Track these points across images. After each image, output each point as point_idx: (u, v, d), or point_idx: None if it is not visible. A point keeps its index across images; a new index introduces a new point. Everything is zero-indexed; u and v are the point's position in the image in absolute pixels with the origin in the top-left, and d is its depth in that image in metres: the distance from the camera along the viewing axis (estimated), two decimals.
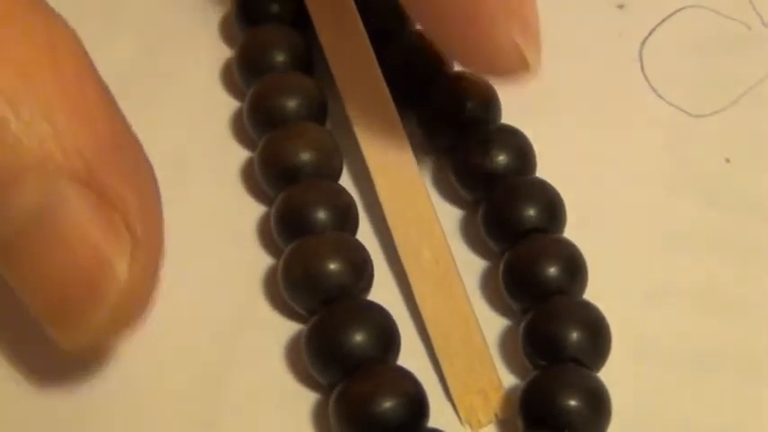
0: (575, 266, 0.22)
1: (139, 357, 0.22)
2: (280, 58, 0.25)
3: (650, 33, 0.26)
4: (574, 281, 0.22)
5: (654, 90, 0.26)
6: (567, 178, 0.24)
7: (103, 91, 0.19)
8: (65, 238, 0.19)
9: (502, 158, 0.23)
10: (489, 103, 0.24)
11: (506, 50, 0.21)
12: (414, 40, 0.25)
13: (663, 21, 0.25)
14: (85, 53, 0.19)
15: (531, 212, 0.22)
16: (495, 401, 0.21)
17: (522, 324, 0.21)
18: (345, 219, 0.23)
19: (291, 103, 0.24)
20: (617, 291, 0.23)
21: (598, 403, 0.20)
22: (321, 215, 0.22)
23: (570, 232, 0.23)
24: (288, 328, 0.22)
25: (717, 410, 0.21)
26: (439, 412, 0.21)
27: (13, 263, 0.19)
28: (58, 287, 0.19)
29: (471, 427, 0.21)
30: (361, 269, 0.22)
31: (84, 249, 0.19)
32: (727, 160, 0.25)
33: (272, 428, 0.21)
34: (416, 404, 0.20)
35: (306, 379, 0.21)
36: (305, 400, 0.21)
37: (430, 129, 0.24)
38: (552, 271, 0.22)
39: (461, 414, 0.21)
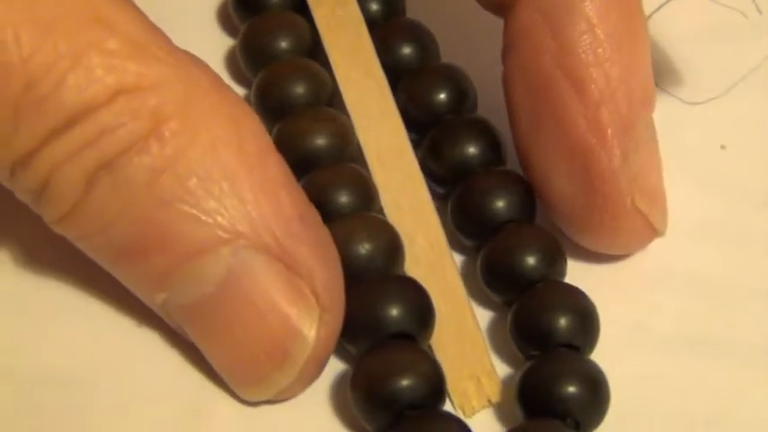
0: (553, 253, 0.22)
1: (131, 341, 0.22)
2: (284, 44, 0.25)
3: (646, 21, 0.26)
4: (553, 267, 0.22)
5: None
6: None
7: (283, 165, 0.20)
8: (254, 306, 0.20)
9: (471, 150, 0.23)
10: (468, 93, 0.24)
11: (631, 217, 0.22)
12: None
13: (658, 8, 0.25)
14: (264, 130, 0.20)
15: (502, 204, 0.22)
16: (489, 387, 0.21)
17: (510, 314, 0.21)
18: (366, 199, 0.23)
19: (300, 90, 0.24)
20: (610, 277, 0.23)
21: (597, 388, 0.20)
22: (343, 197, 0.22)
23: None
24: None
25: (709, 395, 0.21)
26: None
27: (200, 325, 0.20)
28: (247, 350, 0.20)
29: (464, 413, 0.21)
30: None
31: (274, 317, 0.20)
32: (723, 147, 0.25)
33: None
34: (435, 385, 0.20)
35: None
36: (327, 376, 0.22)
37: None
38: (531, 260, 0.22)
39: (454, 400, 0.21)
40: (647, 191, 0.22)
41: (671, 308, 0.23)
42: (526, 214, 0.23)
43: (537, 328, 0.21)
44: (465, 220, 0.23)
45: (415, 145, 0.24)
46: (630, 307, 0.22)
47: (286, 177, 0.20)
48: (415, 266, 0.22)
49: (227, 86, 0.20)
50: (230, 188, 0.19)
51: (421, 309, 0.21)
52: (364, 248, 0.21)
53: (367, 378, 0.20)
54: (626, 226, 0.22)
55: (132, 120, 0.19)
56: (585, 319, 0.21)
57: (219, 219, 0.19)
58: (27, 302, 0.22)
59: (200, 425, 0.21)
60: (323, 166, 0.23)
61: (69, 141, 0.19)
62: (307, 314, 0.20)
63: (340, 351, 0.21)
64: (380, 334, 0.21)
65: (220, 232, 0.19)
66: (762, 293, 0.23)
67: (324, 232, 0.21)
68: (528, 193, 0.23)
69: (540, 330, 0.21)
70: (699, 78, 0.26)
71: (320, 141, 0.23)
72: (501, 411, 0.21)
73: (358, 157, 0.23)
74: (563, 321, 0.21)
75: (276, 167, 0.20)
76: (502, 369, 0.22)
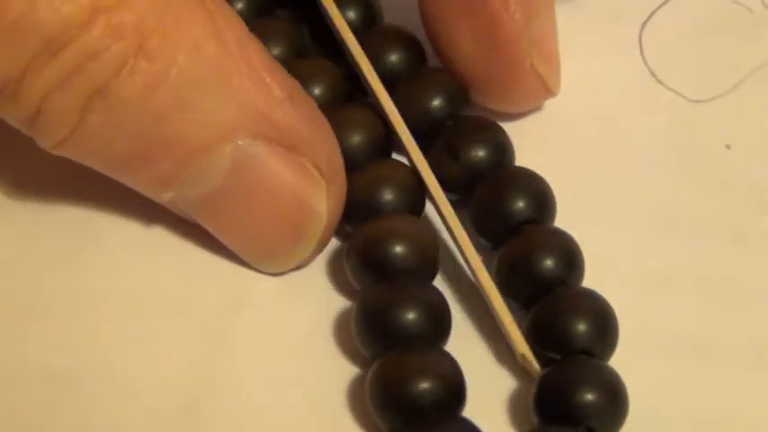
0: (571, 257, 0.22)
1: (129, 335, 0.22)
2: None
3: (650, 17, 0.26)
4: (572, 271, 0.22)
5: (653, 75, 0.25)
6: (565, 164, 0.24)
7: (262, 49, 0.21)
8: (264, 190, 0.21)
9: (482, 154, 0.23)
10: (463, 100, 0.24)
11: (529, 78, 0.23)
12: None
13: (662, 4, 0.24)
14: (238, 17, 0.21)
15: (521, 205, 0.22)
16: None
17: (528, 318, 0.21)
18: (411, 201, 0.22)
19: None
20: (617, 278, 0.22)
21: (616, 396, 0.20)
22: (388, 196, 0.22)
23: (569, 219, 0.23)
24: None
25: (717, 398, 0.21)
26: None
27: (213, 215, 0.21)
28: (263, 232, 0.21)
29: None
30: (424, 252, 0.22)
31: (285, 198, 0.21)
32: (728, 146, 0.25)
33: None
34: (453, 389, 0.20)
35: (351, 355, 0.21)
36: (344, 376, 0.21)
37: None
38: (550, 263, 0.21)
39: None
40: (545, 54, 0.23)
41: (675, 309, 0.22)
42: (545, 215, 0.22)
43: (556, 332, 0.21)
44: (483, 219, 0.22)
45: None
46: (635, 308, 0.22)
47: (268, 61, 0.21)
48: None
49: None
50: (220, 85, 0.20)
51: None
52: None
53: (384, 379, 0.20)
54: (524, 86, 0.23)
55: (116, 41, 0.19)
56: (605, 325, 0.21)
57: (215, 118, 0.20)
58: (21, 299, 0.22)
59: (196, 422, 0.21)
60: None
61: (55, 69, 0.19)
62: (315, 190, 0.21)
63: (354, 356, 0.21)
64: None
65: (218, 130, 0.20)
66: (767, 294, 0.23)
67: (314, 107, 0.22)
68: (547, 193, 0.22)
69: (558, 335, 0.21)
70: (704, 75, 0.25)
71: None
72: (515, 416, 0.21)
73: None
74: (583, 327, 0.20)
75: (257, 53, 0.21)
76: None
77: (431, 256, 0.22)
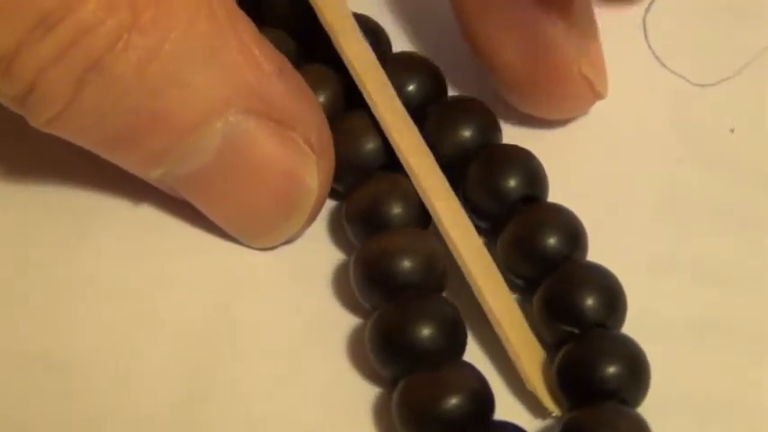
0: (575, 231, 0.22)
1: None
2: None
3: (654, 0, 0.26)
4: (577, 246, 0.22)
5: (657, 59, 0.25)
6: (568, 147, 0.24)
7: (250, 24, 0.21)
8: (255, 165, 0.21)
9: (468, 134, 0.23)
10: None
11: (578, 84, 0.23)
12: None
13: None
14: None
15: (515, 182, 0.22)
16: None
17: (538, 294, 0.21)
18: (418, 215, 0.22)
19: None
20: (619, 262, 0.22)
21: (640, 365, 0.20)
22: (395, 210, 0.22)
23: (572, 202, 0.22)
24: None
25: (718, 382, 0.21)
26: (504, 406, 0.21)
27: (202, 191, 0.21)
28: (254, 207, 0.21)
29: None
30: (432, 266, 0.21)
31: (276, 173, 0.21)
32: (732, 131, 0.25)
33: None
34: (483, 399, 0.20)
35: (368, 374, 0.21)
36: (365, 395, 0.21)
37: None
38: (555, 239, 0.21)
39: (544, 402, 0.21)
40: (592, 58, 0.23)
41: (678, 293, 0.22)
42: (539, 191, 0.22)
43: (572, 306, 0.21)
44: (480, 199, 0.22)
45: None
46: (637, 292, 0.22)
47: (256, 35, 0.21)
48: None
49: None
50: (211, 60, 0.20)
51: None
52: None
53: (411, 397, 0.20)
54: (572, 91, 0.23)
55: (110, 16, 0.19)
56: (616, 297, 0.21)
57: (207, 93, 0.20)
58: (25, 285, 0.22)
59: (200, 410, 0.21)
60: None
61: (50, 44, 0.19)
62: (306, 164, 0.21)
63: (374, 378, 0.21)
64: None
65: (210, 105, 0.20)
66: None
67: (302, 82, 0.22)
68: (540, 169, 0.23)
69: (576, 309, 0.21)
70: (708, 60, 0.25)
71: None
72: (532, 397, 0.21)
73: None
74: (597, 299, 0.21)
75: (246, 28, 0.21)
76: None
77: (439, 269, 0.22)
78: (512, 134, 0.24)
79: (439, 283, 0.21)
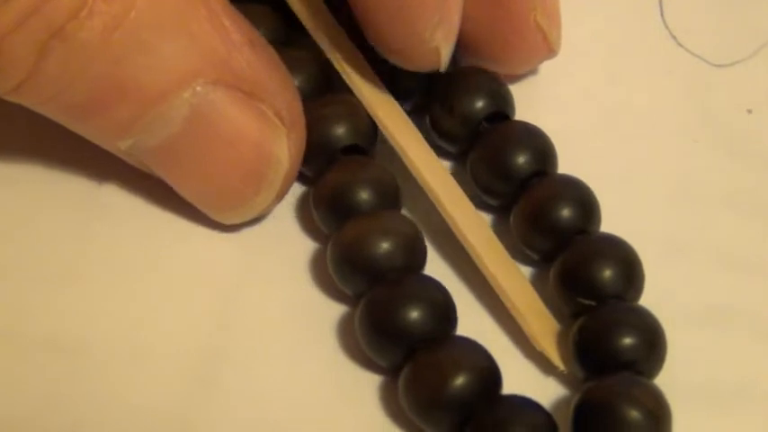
0: (589, 202, 0.22)
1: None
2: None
3: None
4: (591, 218, 0.22)
5: (674, 38, 0.25)
6: (585, 128, 0.24)
7: (224, 1, 0.20)
8: (223, 137, 0.20)
9: (480, 105, 0.23)
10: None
11: (533, 34, 0.23)
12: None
13: None
14: None
15: (525, 158, 0.22)
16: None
17: (555, 267, 0.21)
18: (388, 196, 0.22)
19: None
20: (634, 244, 0.22)
21: (657, 335, 0.20)
22: (364, 195, 0.22)
23: (587, 183, 0.22)
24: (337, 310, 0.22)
25: (733, 367, 0.21)
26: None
27: (170, 164, 0.21)
28: (223, 181, 0.21)
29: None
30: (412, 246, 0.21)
31: (245, 145, 0.21)
32: (749, 111, 0.24)
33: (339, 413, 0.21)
34: (491, 374, 0.20)
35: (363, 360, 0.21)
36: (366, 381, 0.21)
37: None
38: (569, 211, 0.21)
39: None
40: (548, 9, 0.23)
41: (693, 276, 0.22)
42: (549, 167, 0.22)
43: (587, 280, 0.21)
44: (489, 176, 0.22)
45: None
46: (653, 275, 0.22)
47: (227, 6, 0.20)
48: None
49: None
50: (179, 29, 0.19)
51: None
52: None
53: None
54: (527, 43, 0.23)
55: None
56: (632, 269, 0.21)
57: (174, 62, 0.20)
58: (31, 268, 0.22)
59: (208, 394, 0.20)
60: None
61: (10, 12, 0.18)
62: (276, 137, 0.21)
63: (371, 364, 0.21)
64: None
65: (177, 75, 0.20)
66: None
67: (273, 54, 0.21)
68: (549, 145, 0.22)
69: (592, 283, 0.21)
70: (725, 40, 0.25)
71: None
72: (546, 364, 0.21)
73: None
74: (615, 271, 0.21)
75: (218, 3, 0.20)
76: None
77: (419, 249, 0.21)
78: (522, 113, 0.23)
79: (420, 263, 0.21)
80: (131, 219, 0.22)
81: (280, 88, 0.21)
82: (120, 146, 0.21)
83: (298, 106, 0.21)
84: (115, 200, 0.22)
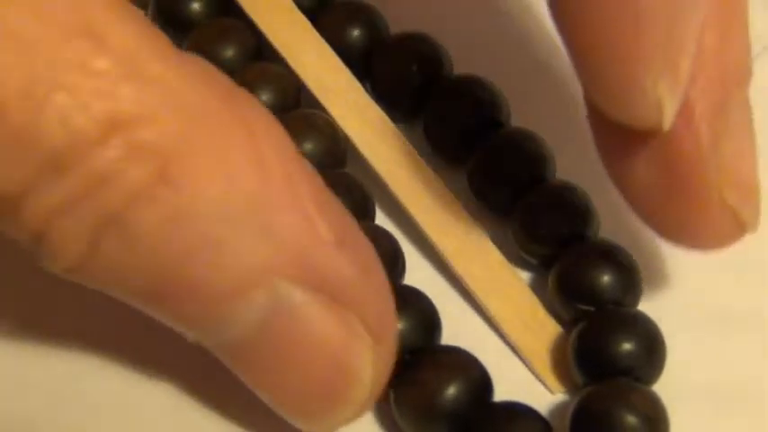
0: (587, 209, 0.22)
1: None
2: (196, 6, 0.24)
3: None
4: (589, 224, 0.22)
5: None
6: (582, 133, 0.23)
7: (311, 176, 0.18)
8: (300, 347, 0.18)
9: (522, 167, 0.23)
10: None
11: (717, 213, 0.19)
12: None
13: None
14: (284, 133, 0.18)
15: (521, 167, 0.22)
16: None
17: (554, 272, 0.21)
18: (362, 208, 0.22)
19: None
20: (631, 248, 0.22)
21: (655, 342, 0.20)
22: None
23: (588, 184, 0.22)
24: None
25: (734, 369, 0.21)
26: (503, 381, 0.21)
27: (242, 365, 0.19)
28: (297, 392, 0.19)
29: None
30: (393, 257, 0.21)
31: (323, 358, 0.18)
32: None
33: None
34: (481, 382, 0.20)
35: None
36: None
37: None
38: (569, 217, 0.22)
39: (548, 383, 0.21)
40: (738, 183, 0.19)
41: (695, 278, 0.22)
42: (547, 170, 0.22)
43: (586, 286, 0.21)
44: (485, 186, 0.23)
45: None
46: (656, 275, 0.22)
47: (318, 192, 0.18)
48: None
49: (237, 87, 0.18)
50: (255, 221, 0.17)
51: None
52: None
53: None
54: (711, 221, 0.19)
55: (134, 164, 0.16)
56: (631, 275, 0.21)
57: (248, 259, 0.17)
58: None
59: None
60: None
61: (61, 190, 0.16)
62: (360, 351, 0.18)
63: None
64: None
65: (252, 273, 0.17)
66: None
67: (369, 253, 0.19)
68: (546, 150, 0.22)
69: (590, 288, 0.21)
70: None
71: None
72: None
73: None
74: (610, 278, 0.21)
75: (305, 182, 0.18)
76: None
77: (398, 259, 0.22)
78: (523, 118, 0.24)
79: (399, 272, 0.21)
80: None
81: (371, 295, 0.18)
82: (189, 336, 0.18)
83: (391, 316, 0.19)
84: None
